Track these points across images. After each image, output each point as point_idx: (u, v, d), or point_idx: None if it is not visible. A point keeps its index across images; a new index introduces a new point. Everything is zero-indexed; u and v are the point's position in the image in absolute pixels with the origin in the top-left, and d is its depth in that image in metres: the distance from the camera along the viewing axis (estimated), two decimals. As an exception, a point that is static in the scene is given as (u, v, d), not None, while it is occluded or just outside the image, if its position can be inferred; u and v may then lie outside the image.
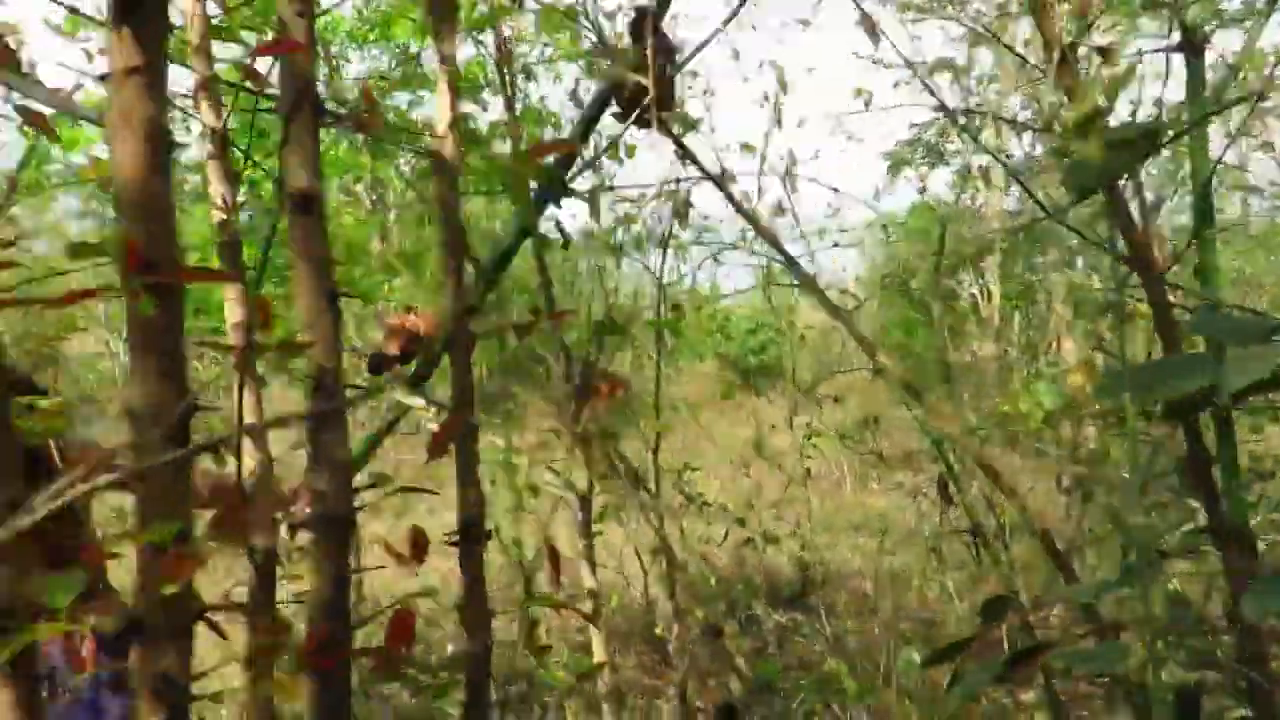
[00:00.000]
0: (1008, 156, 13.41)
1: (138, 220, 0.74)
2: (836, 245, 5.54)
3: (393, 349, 1.85)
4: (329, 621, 0.90)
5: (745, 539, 3.91)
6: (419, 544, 0.99)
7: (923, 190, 16.07)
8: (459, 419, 0.97)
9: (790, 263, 2.58)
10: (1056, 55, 3.46)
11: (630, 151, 3.59)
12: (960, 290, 14.75)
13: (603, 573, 3.63)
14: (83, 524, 2.31)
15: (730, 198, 2.48)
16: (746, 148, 2.89)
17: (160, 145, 0.73)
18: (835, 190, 2.91)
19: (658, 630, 3.62)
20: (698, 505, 4.10)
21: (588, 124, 2.29)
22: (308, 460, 0.90)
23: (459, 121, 1.01)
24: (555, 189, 2.37)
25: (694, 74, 4.41)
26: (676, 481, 3.96)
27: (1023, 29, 9.38)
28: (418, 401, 1.90)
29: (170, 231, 0.75)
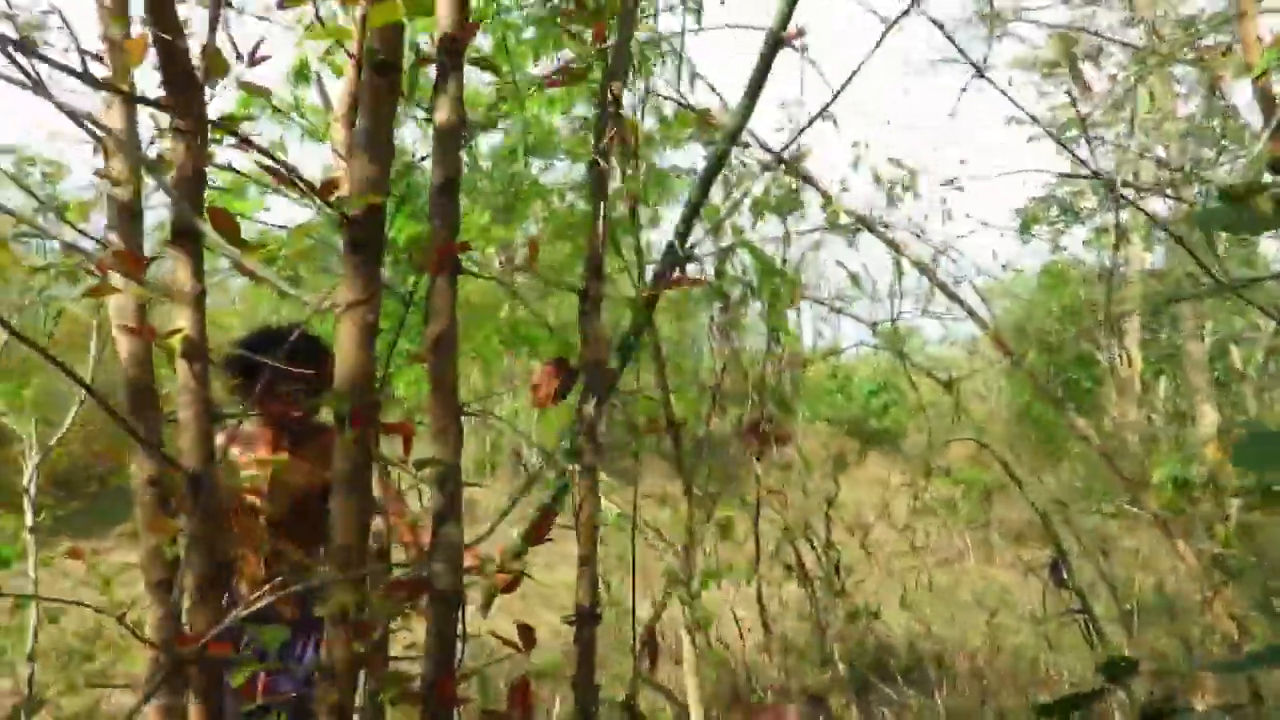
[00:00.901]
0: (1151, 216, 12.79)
1: (353, 387, 1.05)
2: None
3: (546, 392, 1.99)
4: (439, 675, 1.08)
5: (850, 613, 3.89)
6: (528, 637, 1.20)
7: (1056, 249, 15.49)
8: (549, 519, 1.15)
9: (973, 317, 2.62)
10: (1276, 118, 3.39)
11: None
12: (1099, 354, 14.07)
13: (701, 636, 3.67)
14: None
15: (892, 245, 2.56)
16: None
17: (370, 338, 1.04)
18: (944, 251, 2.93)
19: (758, 697, 3.63)
20: (804, 572, 4.09)
21: (704, 187, 2.43)
22: (430, 544, 1.10)
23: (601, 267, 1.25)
24: (676, 257, 2.52)
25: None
26: (782, 546, 3.98)
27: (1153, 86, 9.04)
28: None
29: (372, 393, 1.06)
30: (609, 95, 1.39)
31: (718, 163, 2.04)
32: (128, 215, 1.55)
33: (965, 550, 7.86)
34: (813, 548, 4.01)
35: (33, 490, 3.10)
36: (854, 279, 3.21)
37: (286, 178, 0.94)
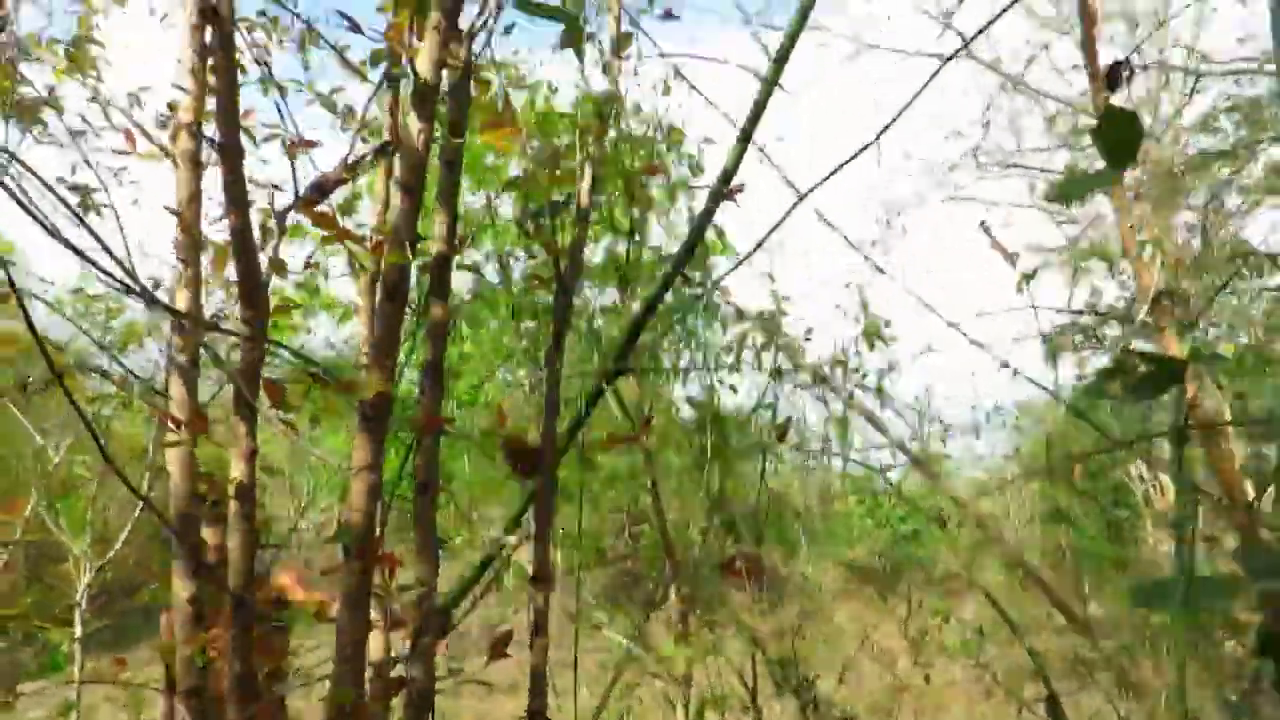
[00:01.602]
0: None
1: (360, 517, 1.30)
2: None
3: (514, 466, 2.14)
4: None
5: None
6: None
7: (1081, 377, 15.52)
8: (506, 635, 1.38)
9: (927, 470, 2.76)
10: (1151, 296, 3.63)
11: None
12: (1131, 483, 13.92)
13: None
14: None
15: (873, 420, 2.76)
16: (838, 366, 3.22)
17: (375, 492, 1.31)
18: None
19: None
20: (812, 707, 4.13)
21: (636, 328, 2.63)
22: (407, 651, 1.32)
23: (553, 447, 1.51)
24: (618, 367, 2.71)
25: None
26: (787, 677, 4.04)
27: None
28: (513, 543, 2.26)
29: (374, 524, 1.31)
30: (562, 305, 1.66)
31: (649, 305, 2.28)
32: (189, 366, 1.87)
33: (994, 686, 7.71)
34: (790, 682, 4.09)
35: (84, 604, 3.35)
36: (841, 424, 3.42)
37: (321, 379, 1.21)
